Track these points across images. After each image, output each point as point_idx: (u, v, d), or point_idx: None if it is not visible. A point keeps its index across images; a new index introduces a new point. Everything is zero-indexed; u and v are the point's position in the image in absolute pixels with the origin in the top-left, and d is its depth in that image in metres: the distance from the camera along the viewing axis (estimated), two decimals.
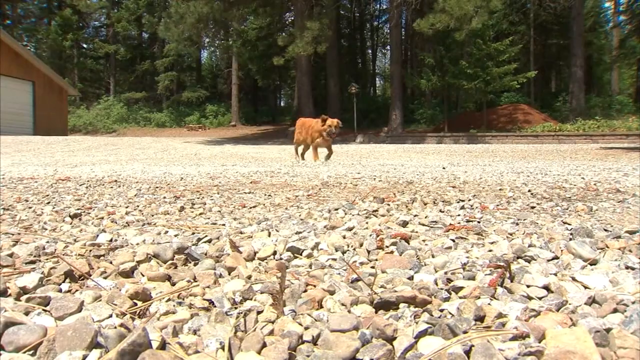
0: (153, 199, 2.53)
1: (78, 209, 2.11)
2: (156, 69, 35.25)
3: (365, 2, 35.23)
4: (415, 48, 31.08)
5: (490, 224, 1.67)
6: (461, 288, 0.94)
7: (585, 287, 0.95)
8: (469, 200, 2.35)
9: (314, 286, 0.99)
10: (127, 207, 2.21)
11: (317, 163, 6.55)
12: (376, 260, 1.22)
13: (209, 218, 1.94)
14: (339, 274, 1.10)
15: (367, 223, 1.70)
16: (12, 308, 0.85)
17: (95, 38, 40.02)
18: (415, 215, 1.86)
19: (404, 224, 1.65)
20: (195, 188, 3.14)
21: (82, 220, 1.88)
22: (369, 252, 1.29)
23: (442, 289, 0.95)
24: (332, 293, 0.95)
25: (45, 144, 12.05)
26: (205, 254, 1.25)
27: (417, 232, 1.53)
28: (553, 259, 1.18)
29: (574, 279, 0.99)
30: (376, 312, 0.86)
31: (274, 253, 1.27)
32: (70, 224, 1.80)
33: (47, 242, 1.40)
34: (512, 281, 0.99)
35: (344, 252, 1.29)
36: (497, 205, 2.16)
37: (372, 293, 0.92)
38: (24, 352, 0.70)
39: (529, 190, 2.80)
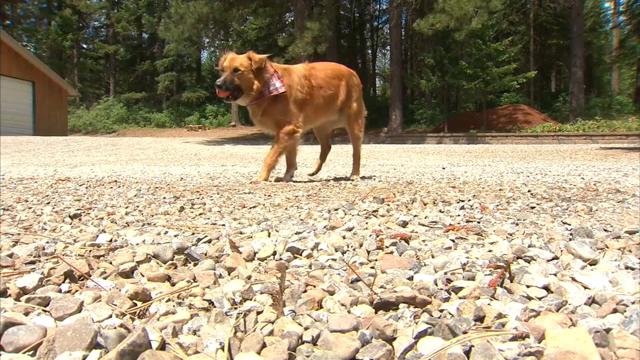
0: (153, 199, 2.53)
1: (78, 210, 2.11)
2: (156, 69, 35.26)
3: (365, 2, 35.23)
4: (415, 48, 31.08)
5: (490, 224, 1.67)
6: (461, 288, 0.94)
7: (585, 288, 0.95)
8: (469, 200, 2.35)
9: (314, 286, 0.99)
10: (127, 208, 2.21)
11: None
12: (376, 260, 1.22)
13: (208, 218, 1.94)
14: (339, 274, 1.10)
15: (367, 223, 1.70)
16: (12, 308, 0.85)
17: (95, 38, 40.07)
18: (415, 216, 1.86)
19: (404, 224, 1.65)
20: (195, 188, 3.14)
21: (82, 221, 1.88)
22: (368, 252, 1.29)
23: (441, 289, 0.95)
24: (331, 293, 0.95)
25: (45, 144, 12.05)
26: (205, 254, 1.25)
27: (417, 232, 1.53)
28: (553, 259, 1.18)
29: (573, 279, 0.99)
30: (376, 313, 0.86)
31: (274, 253, 1.27)
32: (70, 224, 1.80)
33: (47, 242, 1.40)
34: (511, 281, 0.99)
35: (343, 253, 1.29)
36: (497, 206, 2.16)
37: (372, 293, 0.92)
38: (24, 353, 0.70)
39: (529, 191, 2.80)
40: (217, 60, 3.49)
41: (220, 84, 3.21)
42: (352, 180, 3.81)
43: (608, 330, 0.71)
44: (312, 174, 4.18)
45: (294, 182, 3.69)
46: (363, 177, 4.15)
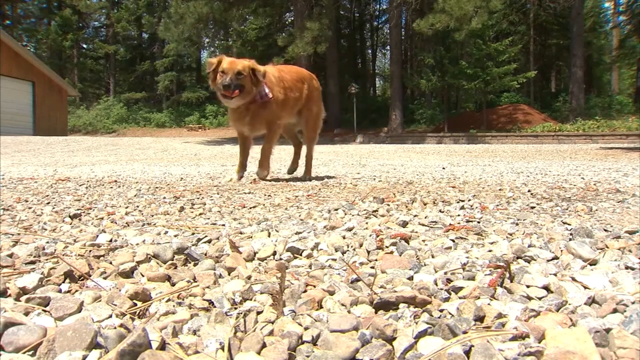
0: (153, 199, 2.53)
1: (78, 209, 2.11)
2: (156, 69, 35.27)
3: (365, 2, 35.24)
4: (415, 48, 31.10)
5: (490, 224, 1.67)
6: (461, 288, 0.94)
7: (585, 287, 0.95)
8: (469, 200, 2.35)
9: (314, 286, 0.99)
10: (127, 208, 2.21)
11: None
12: (376, 260, 1.22)
13: (208, 218, 1.94)
14: (339, 274, 1.10)
15: (367, 223, 1.70)
16: (12, 308, 0.85)
17: (95, 38, 40.10)
18: (415, 216, 1.86)
19: (404, 224, 1.65)
20: (195, 188, 3.14)
21: (81, 221, 1.88)
22: (368, 252, 1.29)
23: (441, 289, 0.95)
24: (331, 293, 0.95)
25: (45, 144, 12.05)
26: (205, 254, 1.25)
27: (417, 232, 1.53)
28: (553, 259, 1.18)
29: (573, 279, 0.99)
30: (376, 313, 0.86)
31: (274, 253, 1.27)
32: (70, 224, 1.80)
33: (47, 242, 1.40)
34: (511, 281, 0.99)
35: (343, 253, 1.29)
36: (497, 206, 2.16)
37: (372, 293, 0.92)
38: (24, 353, 0.70)
39: (529, 191, 2.80)
40: (207, 64, 3.64)
41: (228, 83, 3.32)
42: (306, 179, 3.90)
43: (608, 330, 0.71)
44: (291, 172, 4.28)
45: (293, 182, 3.69)
46: (357, 178, 4.15)
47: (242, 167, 3.85)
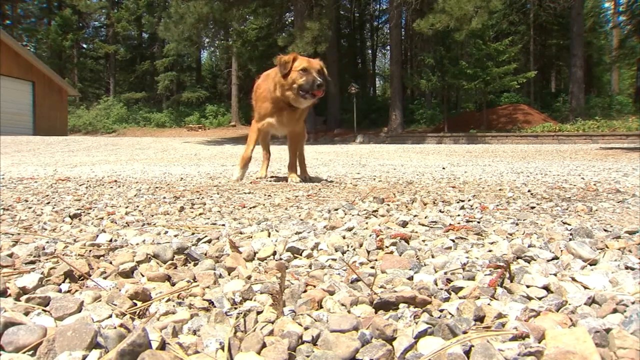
0: (153, 199, 2.53)
1: (78, 209, 2.11)
2: (156, 69, 35.29)
3: (365, 2, 35.24)
4: (415, 48, 31.11)
5: (490, 224, 1.67)
6: (461, 288, 0.94)
7: (585, 288, 0.95)
8: (469, 200, 2.35)
9: (314, 286, 0.99)
10: (127, 208, 2.21)
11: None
12: (376, 260, 1.22)
13: (208, 218, 1.94)
14: (339, 274, 1.10)
15: (367, 223, 1.70)
16: (12, 308, 0.85)
17: (95, 38, 40.11)
18: (415, 216, 1.86)
19: (404, 224, 1.65)
20: (195, 188, 3.13)
21: (81, 221, 1.87)
22: (368, 252, 1.29)
23: (441, 289, 0.95)
24: (331, 293, 0.95)
25: (45, 144, 12.05)
26: (205, 254, 1.25)
27: (417, 232, 1.53)
28: (553, 259, 1.18)
29: (573, 279, 0.99)
30: (376, 313, 0.86)
31: (274, 253, 1.27)
32: (70, 224, 1.80)
33: (47, 242, 1.40)
34: (511, 281, 0.99)
35: (343, 253, 1.29)
36: (497, 206, 2.16)
37: (372, 293, 0.92)
38: (24, 353, 0.70)
39: (529, 191, 2.80)
40: (282, 61, 3.34)
41: (321, 82, 3.22)
42: (306, 179, 3.87)
43: (608, 330, 0.71)
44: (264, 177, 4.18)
45: (294, 182, 3.69)
46: (357, 178, 4.15)
47: (246, 165, 3.84)
